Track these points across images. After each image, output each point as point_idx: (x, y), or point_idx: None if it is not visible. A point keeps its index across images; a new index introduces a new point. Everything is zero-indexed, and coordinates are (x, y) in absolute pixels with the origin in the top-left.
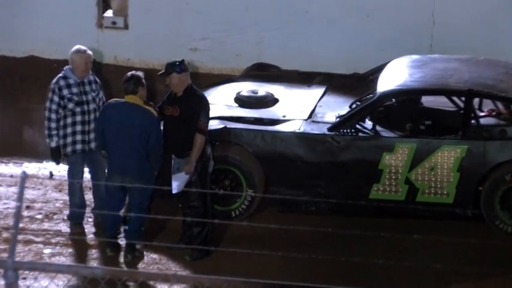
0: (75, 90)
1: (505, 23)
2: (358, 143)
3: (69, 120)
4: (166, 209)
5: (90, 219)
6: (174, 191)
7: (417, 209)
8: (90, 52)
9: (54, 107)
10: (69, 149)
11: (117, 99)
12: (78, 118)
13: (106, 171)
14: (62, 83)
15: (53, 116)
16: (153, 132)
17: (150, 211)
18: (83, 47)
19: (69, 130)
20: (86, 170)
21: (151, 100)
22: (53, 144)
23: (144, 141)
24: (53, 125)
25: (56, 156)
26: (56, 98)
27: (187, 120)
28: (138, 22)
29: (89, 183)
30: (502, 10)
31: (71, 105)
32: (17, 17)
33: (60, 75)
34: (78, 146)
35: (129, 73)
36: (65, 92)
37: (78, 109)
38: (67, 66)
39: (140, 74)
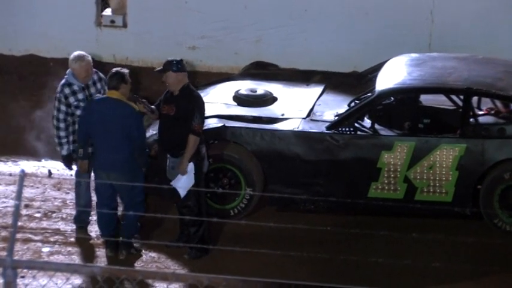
0: (80, 96)
1: (503, 21)
2: (356, 142)
3: (77, 126)
4: (165, 208)
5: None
6: (181, 194)
7: (416, 207)
8: (89, 58)
9: (61, 116)
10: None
11: (99, 95)
12: None
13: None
14: (66, 91)
15: (62, 125)
16: (133, 126)
17: (146, 207)
18: (82, 53)
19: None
20: None
21: (143, 97)
22: (64, 152)
23: (126, 135)
24: (62, 133)
25: (69, 163)
26: (62, 107)
27: (183, 119)
28: (136, 20)
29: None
30: (501, 8)
31: (78, 112)
32: (16, 15)
33: (63, 82)
34: (88, 150)
35: (114, 69)
36: (71, 99)
37: None
38: (69, 70)
39: (125, 70)
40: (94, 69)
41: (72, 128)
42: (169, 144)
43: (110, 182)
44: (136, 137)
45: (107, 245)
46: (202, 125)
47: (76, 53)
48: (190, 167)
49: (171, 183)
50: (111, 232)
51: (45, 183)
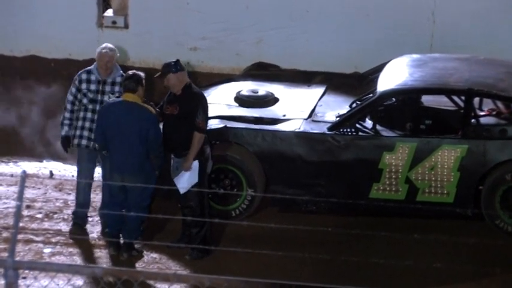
0: (93, 87)
1: (504, 22)
2: (358, 143)
3: (81, 114)
4: (166, 209)
5: (90, 219)
6: (181, 191)
7: (417, 208)
8: (110, 52)
9: (70, 97)
10: (75, 141)
11: (114, 98)
12: (89, 115)
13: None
14: (83, 76)
15: (68, 106)
16: (151, 129)
17: (150, 211)
18: (108, 45)
19: (79, 123)
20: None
21: (150, 100)
22: (62, 133)
23: (143, 138)
24: (67, 114)
25: (64, 144)
26: (73, 89)
27: (186, 118)
28: (138, 21)
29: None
30: (502, 9)
31: (84, 101)
32: (17, 16)
33: (86, 68)
34: (83, 141)
35: (131, 71)
36: (83, 86)
37: (90, 106)
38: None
39: (141, 73)
40: (121, 72)
41: (76, 114)
42: (173, 144)
43: (123, 185)
44: (152, 139)
45: (110, 244)
46: (206, 121)
47: (104, 44)
48: (195, 165)
49: (174, 179)
50: (117, 232)
51: (47, 184)
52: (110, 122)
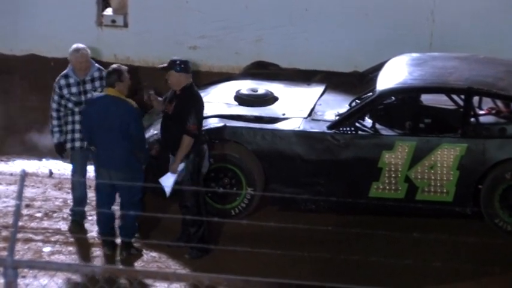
0: (74, 90)
1: (504, 21)
2: (357, 141)
3: (69, 118)
4: (165, 207)
5: (89, 218)
6: (167, 195)
7: (417, 207)
8: (84, 51)
9: (54, 105)
10: (68, 145)
11: (97, 93)
12: (77, 117)
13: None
14: (62, 82)
15: (54, 114)
16: (132, 123)
17: (143, 206)
18: (80, 45)
19: (69, 127)
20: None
21: (131, 97)
22: (55, 141)
23: (125, 132)
24: (54, 122)
25: (59, 151)
26: (55, 97)
27: (178, 119)
28: (137, 20)
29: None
30: (501, 8)
31: (70, 105)
32: (17, 15)
33: (63, 73)
34: (77, 144)
35: (113, 66)
36: (65, 91)
37: (76, 109)
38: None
39: (123, 68)
40: (97, 66)
41: (65, 120)
42: (167, 143)
43: (110, 180)
44: (134, 133)
45: (105, 244)
46: (197, 126)
47: (75, 45)
48: (181, 166)
49: (159, 180)
50: (109, 230)
51: (46, 183)
52: (93, 117)
